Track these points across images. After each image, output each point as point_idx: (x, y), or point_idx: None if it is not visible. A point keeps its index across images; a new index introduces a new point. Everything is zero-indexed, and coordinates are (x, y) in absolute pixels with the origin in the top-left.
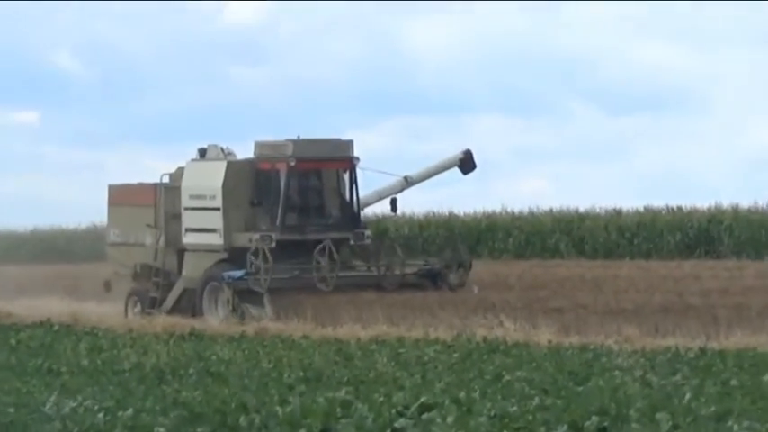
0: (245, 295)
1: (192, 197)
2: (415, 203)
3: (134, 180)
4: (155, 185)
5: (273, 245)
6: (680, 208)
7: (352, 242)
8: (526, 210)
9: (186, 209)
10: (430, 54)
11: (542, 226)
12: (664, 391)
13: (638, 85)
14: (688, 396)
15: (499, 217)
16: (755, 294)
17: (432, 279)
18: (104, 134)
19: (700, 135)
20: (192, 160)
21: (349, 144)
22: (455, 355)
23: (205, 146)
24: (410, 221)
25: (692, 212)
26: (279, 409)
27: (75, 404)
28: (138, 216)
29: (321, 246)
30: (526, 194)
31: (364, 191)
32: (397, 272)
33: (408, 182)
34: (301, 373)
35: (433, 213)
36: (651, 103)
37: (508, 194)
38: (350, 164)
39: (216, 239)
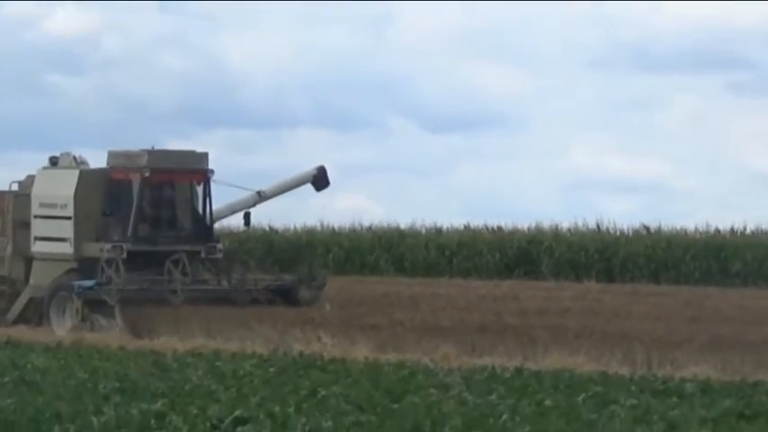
0: (95, 306)
1: (42, 205)
2: (234, 218)
3: None
4: (3, 193)
5: (125, 255)
6: (500, 228)
7: (203, 255)
8: (347, 226)
9: (36, 217)
10: (253, 69)
11: (362, 242)
12: (479, 409)
13: (459, 104)
14: (504, 416)
15: (319, 233)
16: (573, 316)
17: (283, 294)
18: None
19: (521, 155)
20: (44, 168)
21: (204, 156)
22: (271, 369)
23: (57, 154)
24: (230, 235)
25: (513, 232)
26: (94, 420)
27: None
28: None
29: (173, 258)
30: (346, 210)
31: (217, 204)
32: (249, 287)
33: (261, 196)
34: (117, 384)
35: (253, 227)
36: (473, 122)
37: (328, 210)
38: (204, 176)
39: (66, 248)
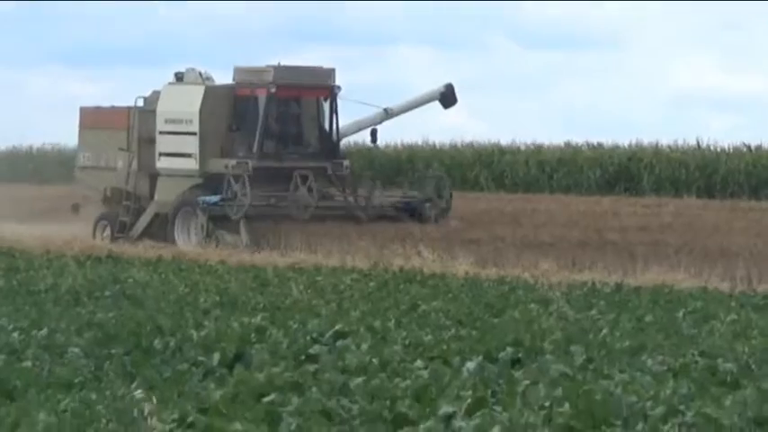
0: (219, 221)
1: (167, 121)
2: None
3: (106, 103)
4: (128, 109)
5: (250, 171)
6: (600, 144)
7: (329, 171)
8: (447, 142)
9: (161, 133)
10: None
11: (463, 159)
12: (579, 324)
13: (560, 22)
14: (603, 330)
15: (420, 149)
16: (673, 232)
17: (410, 211)
18: (24, 55)
19: (622, 73)
20: (169, 84)
21: (330, 72)
22: (371, 284)
23: (182, 69)
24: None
25: (613, 149)
26: (194, 333)
27: None
28: (110, 139)
29: (300, 173)
30: (447, 127)
31: (344, 120)
32: (376, 203)
33: (388, 113)
34: (217, 299)
35: (354, 144)
36: (574, 40)
37: (429, 127)
38: (331, 92)
39: (191, 164)
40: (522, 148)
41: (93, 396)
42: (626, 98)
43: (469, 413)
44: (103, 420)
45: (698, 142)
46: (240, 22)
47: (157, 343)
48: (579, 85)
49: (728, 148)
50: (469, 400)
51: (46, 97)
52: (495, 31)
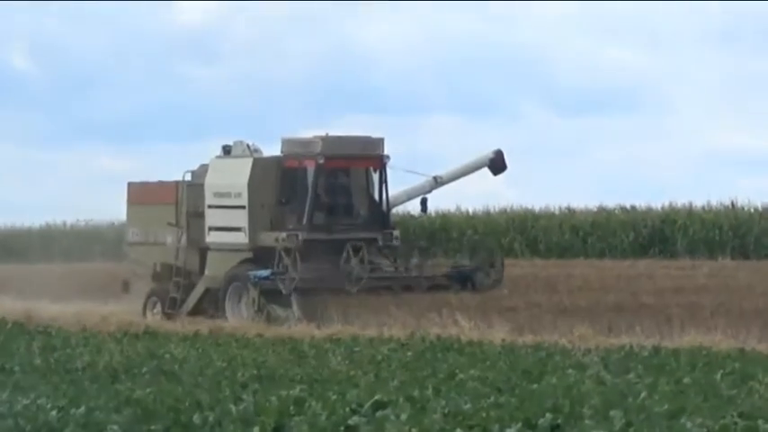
0: (270, 295)
1: (216, 195)
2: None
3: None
4: (176, 183)
5: (300, 244)
6: (634, 207)
7: (380, 242)
8: (481, 209)
9: (210, 207)
10: (384, 54)
11: (497, 225)
12: (618, 388)
13: (591, 85)
14: (642, 394)
15: (453, 216)
16: (709, 293)
17: (462, 280)
18: (57, 134)
19: (654, 135)
20: (217, 157)
21: (379, 142)
22: (409, 353)
23: (230, 142)
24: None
25: (646, 212)
26: (232, 407)
27: (27, 402)
28: (158, 214)
29: (352, 245)
30: (480, 194)
31: (393, 190)
32: (428, 273)
33: (438, 182)
34: (255, 372)
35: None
36: (604, 103)
37: (462, 193)
38: (380, 162)
39: (241, 238)
40: (556, 212)
41: None
42: (658, 160)
43: None
44: None
45: (732, 203)
46: (268, 89)
47: (196, 418)
48: (611, 149)
49: (761, 208)
50: None
51: (77, 173)
52: (526, 97)
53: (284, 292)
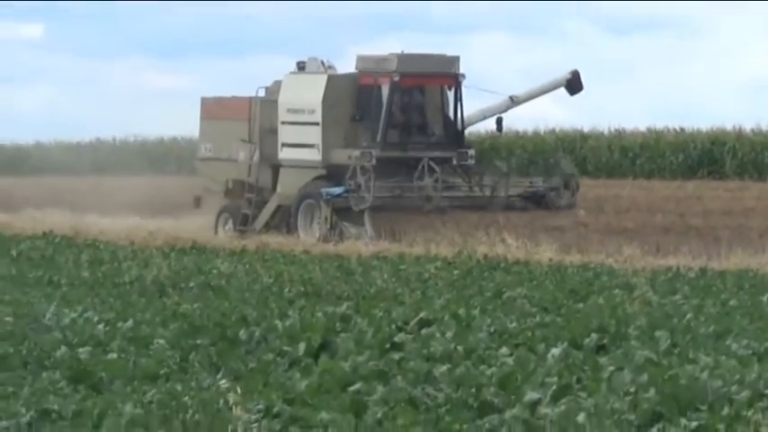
0: (343, 213)
1: (289, 111)
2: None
3: (227, 93)
4: (250, 99)
5: (374, 162)
6: (683, 129)
7: (455, 161)
8: (530, 129)
9: (283, 123)
10: None
11: (545, 145)
12: (664, 309)
13: (642, 6)
14: (688, 315)
15: (502, 135)
16: (757, 216)
17: (536, 201)
18: (109, 47)
19: (703, 57)
20: (291, 73)
21: (455, 60)
22: (456, 272)
23: (304, 59)
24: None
25: (695, 134)
26: (278, 323)
27: (75, 315)
28: (231, 130)
29: (425, 164)
30: (529, 113)
31: (469, 109)
32: (502, 193)
33: (514, 101)
34: (301, 288)
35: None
36: (655, 23)
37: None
38: (455, 81)
39: (314, 155)
40: (605, 133)
41: (179, 387)
42: (708, 82)
43: (555, 399)
44: (189, 411)
45: None
46: (312, 8)
47: (242, 334)
48: (661, 70)
49: None
50: (554, 387)
51: (128, 88)
52: (576, 16)
53: (357, 209)
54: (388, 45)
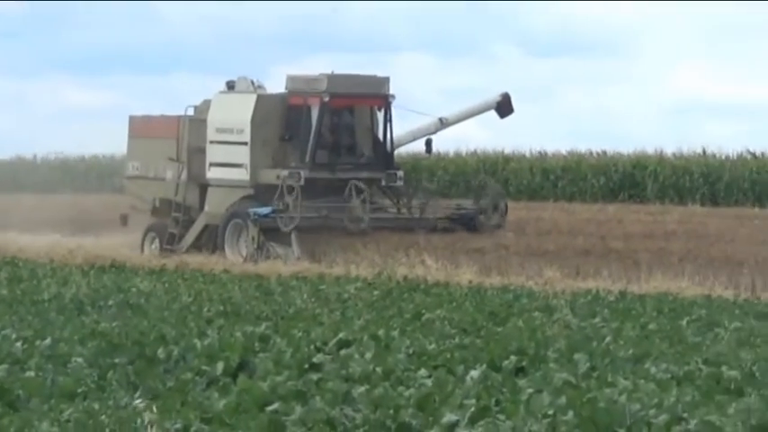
0: (270, 234)
1: (218, 130)
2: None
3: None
4: (178, 117)
5: (302, 182)
6: (605, 152)
7: (383, 182)
8: (452, 151)
9: (212, 142)
10: None
11: (467, 167)
12: (583, 332)
13: (563, 29)
14: (607, 338)
15: (424, 158)
16: (677, 239)
17: (465, 223)
18: (29, 65)
19: (625, 80)
20: (220, 92)
21: (385, 81)
22: (375, 293)
23: (234, 78)
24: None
25: (617, 157)
26: (197, 342)
27: None
28: (159, 149)
29: (355, 185)
30: (451, 135)
31: (398, 130)
32: (431, 215)
33: (443, 123)
34: (221, 308)
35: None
36: (577, 47)
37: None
38: (385, 101)
39: (242, 175)
40: (527, 155)
41: (97, 406)
42: (630, 105)
43: (473, 422)
44: (107, 430)
45: (703, 150)
46: (234, 26)
47: (161, 352)
48: (583, 93)
49: (733, 156)
50: (473, 409)
51: (49, 106)
52: (499, 38)
53: (284, 230)
54: (312, 65)
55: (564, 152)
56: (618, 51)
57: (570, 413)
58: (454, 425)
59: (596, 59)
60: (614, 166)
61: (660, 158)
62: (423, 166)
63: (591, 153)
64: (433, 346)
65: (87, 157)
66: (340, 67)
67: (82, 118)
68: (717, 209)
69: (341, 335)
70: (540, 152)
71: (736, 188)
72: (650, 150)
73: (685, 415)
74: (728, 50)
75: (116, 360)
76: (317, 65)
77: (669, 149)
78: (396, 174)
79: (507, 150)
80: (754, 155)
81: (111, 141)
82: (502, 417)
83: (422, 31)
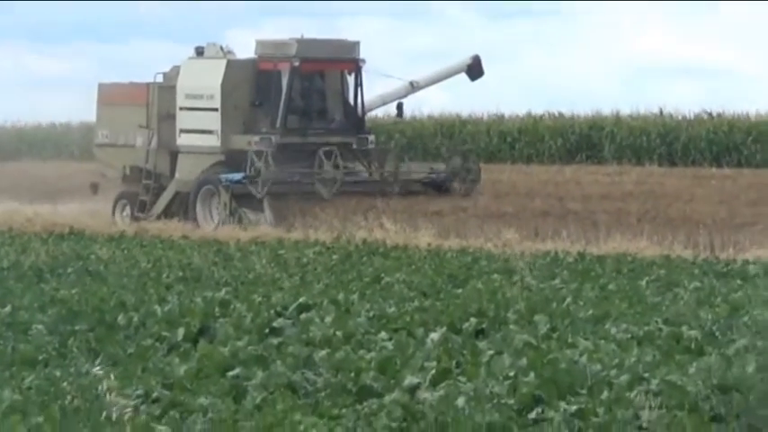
0: (243, 199)
1: (188, 97)
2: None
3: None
4: (147, 84)
5: (274, 147)
6: (561, 114)
7: (355, 146)
8: (408, 114)
9: (182, 109)
10: None
11: (424, 130)
12: (543, 294)
13: None
14: (567, 300)
15: (381, 120)
16: (635, 200)
17: (436, 187)
18: None
19: (582, 42)
20: (189, 58)
21: (355, 45)
22: (334, 257)
23: (203, 44)
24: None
25: (574, 118)
26: (157, 308)
27: None
28: (129, 116)
29: (325, 149)
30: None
31: (369, 94)
32: (403, 178)
33: (414, 86)
34: (180, 273)
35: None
36: (533, 10)
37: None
38: (356, 66)
39: (213, 141)
40: (484, 118)
41: (58, 373)
42: (586, 67)
43: (434, 384)
44: (68, 397)
45: (660, 110)
46: None
47: (121, 319)
48: (540, 55)
49: (690, 116)
50: (434, 371)
51: (4, 74)
52: (454, 1)
53: (257, 195)
54: (268, 30)
55: (521, 114)
56: (574, 13)
57: (531, 374)
58: (415, 387)
59: (553, 21)
60: (571, 127)
61: (617, 119)
62: (379, 129)
63: (548, 115)
64: (392, 309)
65: (45, 125)
66: (294, 32)
67: (39, 86)
68: (674, 169)
69: (301, 299)
70: (496, 114)
71: (693, 148)
72: (607, 111)
73: (646, 375)
74: (685, 11)
75: (76, 327)
76: (272, 30)
77: (625, 110)
78: (367, 138)
79: (464, 113)
80: (710, 115)
81: (69, 109)
82: (463, 378)
83: None
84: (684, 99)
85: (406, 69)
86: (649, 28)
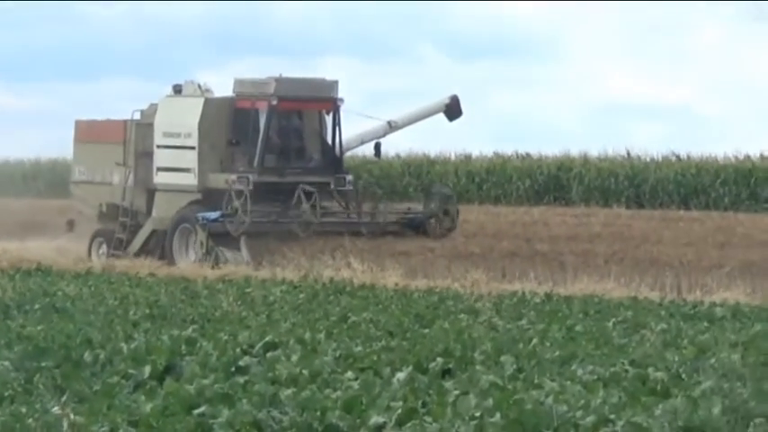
0: (219, 238)
1: (165, 135)
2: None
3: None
4: (124, 122)
5: (251, 187)
6: (529, 155)
7: (332, 187)
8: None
9: (159, 147)
10: None
11: (392, 170)
12: (509, 334)
13: (488, 32)
14: (533, 340)
15: (349, 160)
16: (602, 242)
17: (414, 227)
18: None
19: (549, 82)
20: (167, 96)
21: (333, 84)
22: (301, 295)
23: (181, 82)
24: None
25: (542, 159)
26: (124, 346)
27: None
28: (105, 153)
29: (304, 189)
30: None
31: (347, 134)
32: (380, 219)
33: (392, 126)
34: (147, 311)
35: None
36: (502, 49)
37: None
38: (334, 105)
39: (190, 179)
40: (452, 158)
41: (24, 410)
42: (554, 108)
43: (400, 424)
44: None
45: (627, 152)
46: (162, 28)
47: (87, 356)
48: (507, 96)
49: (657, 158)
50: (400, 411)
51: None
52: (424, 41)
53: (234, 234)
54: (237, 68)
55: (489, 155)
56: (542, 54)
57: (497, 415)
58: (381, 427)
59: (521, 62)
60: (539, 168)
61: (585, 161)
62: (349, 167)
63: (516, 155)
64: (359, 348)
65: (12, 161)
66: (265, 71)
67: (8, 123)
68: (642, 211)
69: (267, 338)
70: (464, 155)
71: (660, 190)
72: (575, 152)
73: (612, 416)
74: (652, 52)
75: (42, 364)
76: (242, 68)
77: (594, 152)
78: (345, 178)
79: (432, 153)
80: (678, 157)
81: (39, 146)
82: (429, 419)
83: (347, 33)
84: (652, 141)
85: (374, 110)
86: (617, 68)
